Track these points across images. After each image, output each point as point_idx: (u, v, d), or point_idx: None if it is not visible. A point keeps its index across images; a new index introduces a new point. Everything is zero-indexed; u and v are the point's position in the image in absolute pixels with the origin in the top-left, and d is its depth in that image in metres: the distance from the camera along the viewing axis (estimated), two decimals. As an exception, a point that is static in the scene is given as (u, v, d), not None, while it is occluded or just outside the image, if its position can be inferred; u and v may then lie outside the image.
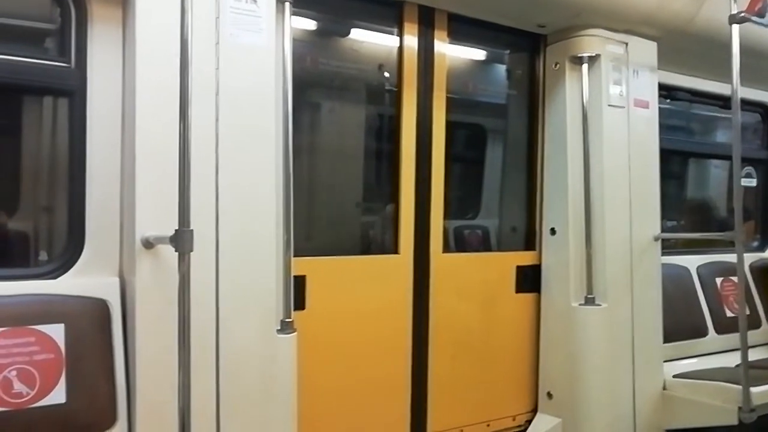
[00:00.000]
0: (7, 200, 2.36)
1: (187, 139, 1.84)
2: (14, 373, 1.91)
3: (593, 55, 3.15)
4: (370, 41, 3.05)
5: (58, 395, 1.95)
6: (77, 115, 2.15)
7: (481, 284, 3.15)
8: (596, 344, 3.10)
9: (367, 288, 2.81)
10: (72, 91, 2.15)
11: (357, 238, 3.12)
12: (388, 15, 2.93)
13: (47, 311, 2.00)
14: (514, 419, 3.26)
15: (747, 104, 4.01)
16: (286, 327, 2.28)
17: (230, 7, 2.19)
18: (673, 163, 4.38)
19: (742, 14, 2.95)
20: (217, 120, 2.15)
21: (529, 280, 3.27)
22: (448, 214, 3.08)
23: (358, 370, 2.76)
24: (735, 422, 2.95)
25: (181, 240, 1.82)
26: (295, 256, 2.33)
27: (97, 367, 2.02)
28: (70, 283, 2.09)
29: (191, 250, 1.84)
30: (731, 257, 3.14)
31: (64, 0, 2.15)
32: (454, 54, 3.15)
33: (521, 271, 3.26)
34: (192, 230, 1.84)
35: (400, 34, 2.94)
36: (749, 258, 4.04)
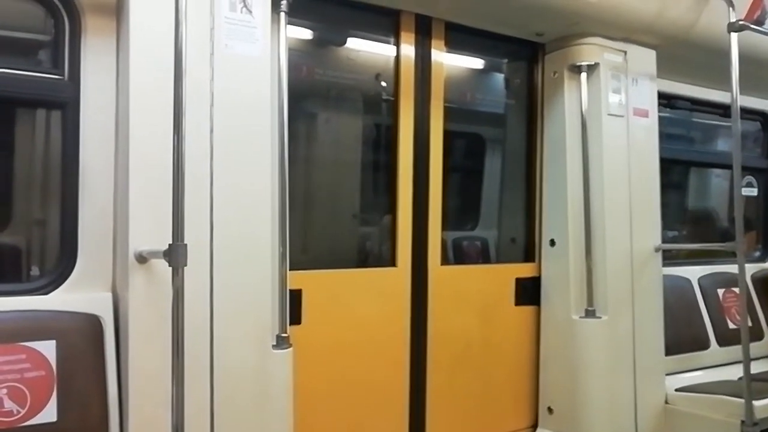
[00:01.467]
0: (-1, 214, 2.34)
1: (182, 151, 1.82)
2: (4, 391, 1.87)
3: (592, 63, 3.14)
4: (367, 50, 3.04)
5: (49, 413, 1.91)
6: (70, 127, 2.12)
7: (479, 297, 3.12)
8: (597, 358, 3.07)
9: (364, 301, 2.78)
10: (65, 103, 2.12)
11: (354, 250, 3.09)
12: (385, 24, 2.92)
13: (39, 327, 1.97)
14: None
15: (747, 112, 4.01)
16: (281, 342, 2.25)
17: (225, 18, 2.17)
18: (674, 172, 4.36)
19: (741, 22, 2.94)
20: (211, 131, 2.13)
21: (528, 292, 3.24)
22: (446, 226, 3.05)
23: (355, 385, 2.72)
24: (738, 436, 2.92)
25: (175, 254, 1.79)
26: (290, 269, 2.30)
27: (89, 385, 1.99)
28: (62, 299, 2.06)
29: (185, 265, 1.81)
30: (733, 268, 3.12)
31: (57, 11, 2.13)
32: (451, 63, 3.14)
33: (520, 283, 3.23)
34: (186, 244, 1.81)
35: (397, 44, 2.93)
36: (751, 269, 4.02)
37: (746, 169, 4.07)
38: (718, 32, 2.99)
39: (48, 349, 1.95)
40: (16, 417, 1.87)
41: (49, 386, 1.92)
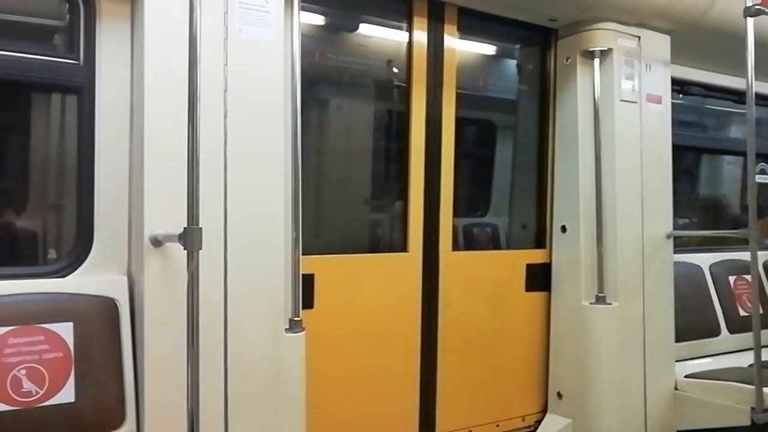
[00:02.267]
0: (16, 198, 2.37)
1: (196, 136, 1.83)
2: (23, 371, 1.91)
3: (605, 49, 3.11)
4: (379, 36, 3.03)
5: (66, 394, 1.95)
6: (86, 112, 2.14)
7: (490, 283, 3.13)
8: (607, 344, 3.07)
9: (375, 286, 2.80)
10: (81, 88, 2.14)
11: (366, 236, 3.10)
12: (398, 10, 2.91)
13: (56, 310, 2.00)
14: (523, 419, 3.24)
15: (762, 99, 3.96)
16: (294, 326, 2.27)
17: (239, 3, 2.17)
18: (686, 159, 4.33)
19: (757, 7, 2.90)
20: (225, 116, 2.14)
21: (539, 278, 3.24)
22: (457, 212, 3.06)
23: (366, 369, 2.75)
24: (748, 423, 2.92)
25: (190, 238, 1.81)
26: (303, 254, 2.32)
27: (106, 366, 2.02)
28: (78, 282, 2.08)
29: (200, 248, 1.83)
30: (745, 255, 3.12)
31: (72, -4, 2.14)
32: (464, 49, 3.13)
33: (531, 269, 3.23)
34: (201, 228, 1.82)
35: (410, 29, 2.92)
36: (763, 256, 3.98)
37: (760, 156, 4.05)
38: (734, 17, 2.96)
39: (65, 331, 1.98)
40: (35, 397, 1.91)
41: (67, 367, 1.96)
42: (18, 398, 1.88)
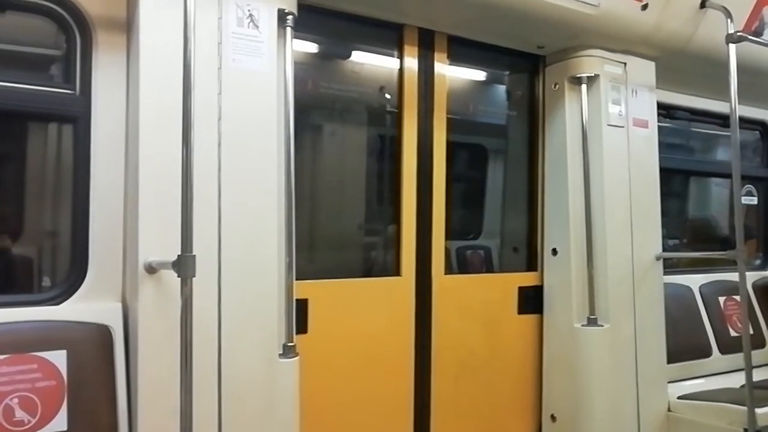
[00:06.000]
0: (11, 226, 2.36)
1: (190, 164, 1.85)
2: (16, 400, 1.90)
3: (592, 75, 3.17)
4: (371, 64, 3.08)
5: (59, 423, 1.94)
6: (81, 141, 2.16)
7: (483, 305, 3.14)
8: (599, 366, 3.08)
9: (369, 311, 2.81)
10: (77, 117, 2.16)
11: (359, 260, 3.11)
12: (389, 38, 2.97)
13: (49, 337, 1.99)
14: None
15: (746, 122, 4.04)
16: (288, 351, 2.27)
17: (232, 33, 2.20)
18: (674, 181, 4.38)
19: (739, 33, 2.98)
20: (219, 145, 2.16)
21: (531, 301, 3.26)
22: (449, 235, 3.08)
23: (360, 394, 2.74)
24: (741, 444, 2.93)
25: (184, 265, 1.83)
26: (297, 279, 2.33)
27: (99, 394, 2.02)
28: (72, 309, 2.08)
29: (194, 276, 1.84)
30: (734, 276, 3.14)
31: (69, 27, 2.17)
32: (454, 75, 3.18)
33: (523, 292, 3.25)
34: (194, 255, 1.84)
35: (401, 57, 2.97)
36: (752, 276, 4.04)
37: (746, 178, 4.10)
38: (717, 43, 3.03)
39: (59, 359, 1.97)
40: (27, 426, 1.89)
41: (60, 396, 1.95)
42: (10, 427, 1.87)
